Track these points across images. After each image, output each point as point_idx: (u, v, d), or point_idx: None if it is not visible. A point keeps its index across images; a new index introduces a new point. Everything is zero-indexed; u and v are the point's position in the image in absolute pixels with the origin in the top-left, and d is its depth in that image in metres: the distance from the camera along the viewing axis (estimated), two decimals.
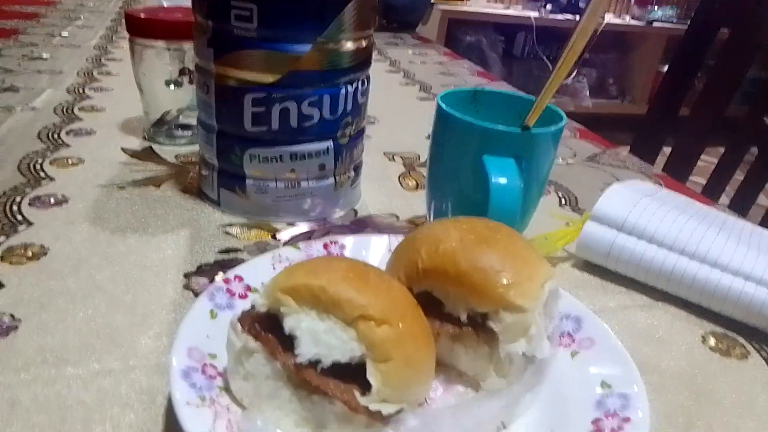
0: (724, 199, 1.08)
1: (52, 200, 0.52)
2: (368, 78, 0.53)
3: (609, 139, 0.83)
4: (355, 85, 0.51)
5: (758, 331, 0.44)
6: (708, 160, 1.12)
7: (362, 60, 0.51)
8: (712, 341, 0.43)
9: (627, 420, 0.31)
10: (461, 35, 3.00)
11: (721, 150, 1.08)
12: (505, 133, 0.44)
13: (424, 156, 0.70)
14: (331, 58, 0.48)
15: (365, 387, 0.28)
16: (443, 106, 0.46)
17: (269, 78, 0.47)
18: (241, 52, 0.47)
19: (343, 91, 0.49)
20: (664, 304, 0.47)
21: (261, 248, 0.48)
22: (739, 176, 1.05)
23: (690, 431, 0.35)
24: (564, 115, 0.47)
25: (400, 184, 0.63)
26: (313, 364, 0.28)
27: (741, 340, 0.44)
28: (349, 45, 0.48)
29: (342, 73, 0.49)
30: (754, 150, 1.06)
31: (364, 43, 0.50)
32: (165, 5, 0.69)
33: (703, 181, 1.08)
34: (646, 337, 0.43)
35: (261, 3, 0.44)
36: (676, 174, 0.80)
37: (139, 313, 0.40)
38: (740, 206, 0.98)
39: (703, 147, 1.09)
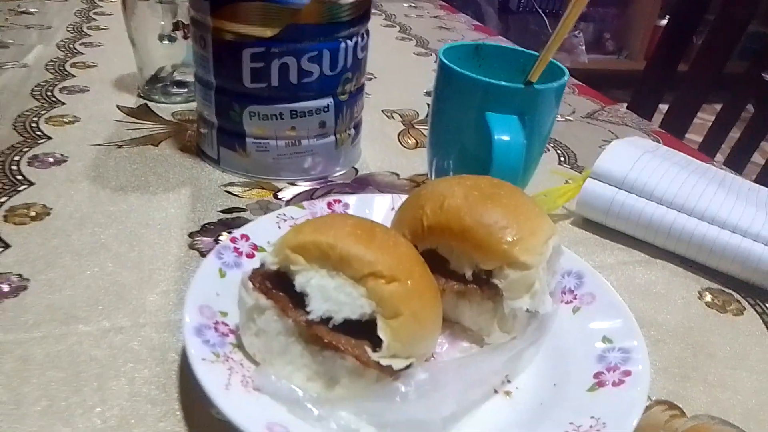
0: (719, 157, 1.08)
1: (51, 159, 0.52)
2: (368, 32, 0.52)
3: (605, 97, 0.83)
4: (354, 39, 0.50)
5: (754, 287, 0.45)
6: (704, 118, 1.12)
7: (361, 13, 0.49)
8: (708, 297, 0.44)
9: (628, 373, 0.32)
10: None
11: (718, 108, 1.07)
12: (509, 89, 0.43)
13: (423, 113, 0.70)
14: (331, 9, 0.47)
15: (375, 342, 0.28)
16: (445, 60, 0.46)
17: (268, 32, 0.46)
18: (239, 5, 0.45)
19: (342, 45, 0.49)
20: (662, 261, 0.47)
21: (263, 207, 0.48)
22: (734, 134, 1.05)
23: (685, 382, 0.36)
24: (566, 70, 0.46)
25: (400, 142, 0.63)
26: (324, 320, 0.29)
27: (737, 296, 0.45)
28: None
29: (341, 27, 0.48)
30: (751, 108, 1.06)
31: None
32: None
33: (699, 139, 1.08)
34: (644, 293, 0.44)
35: None
36: (673, 132, 0.80)
37: (145, 270, 0.40)
38: (735, 164, 0.98)
39: (700, 104, 1.08)
